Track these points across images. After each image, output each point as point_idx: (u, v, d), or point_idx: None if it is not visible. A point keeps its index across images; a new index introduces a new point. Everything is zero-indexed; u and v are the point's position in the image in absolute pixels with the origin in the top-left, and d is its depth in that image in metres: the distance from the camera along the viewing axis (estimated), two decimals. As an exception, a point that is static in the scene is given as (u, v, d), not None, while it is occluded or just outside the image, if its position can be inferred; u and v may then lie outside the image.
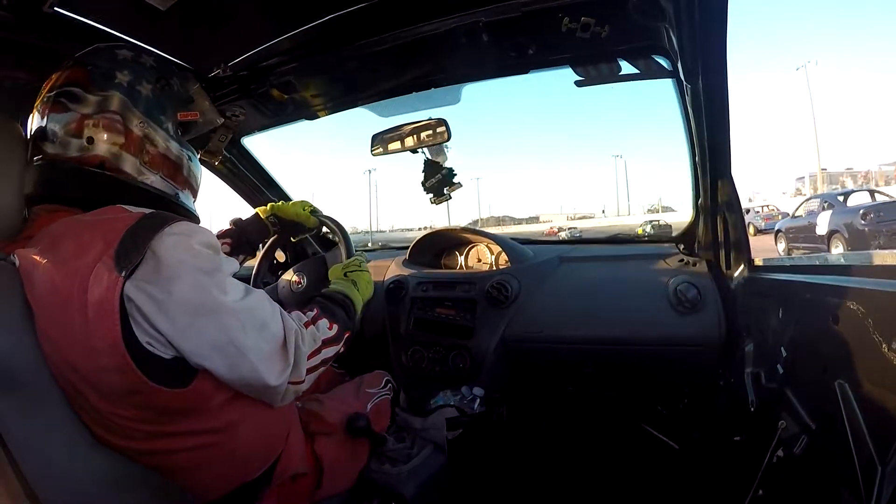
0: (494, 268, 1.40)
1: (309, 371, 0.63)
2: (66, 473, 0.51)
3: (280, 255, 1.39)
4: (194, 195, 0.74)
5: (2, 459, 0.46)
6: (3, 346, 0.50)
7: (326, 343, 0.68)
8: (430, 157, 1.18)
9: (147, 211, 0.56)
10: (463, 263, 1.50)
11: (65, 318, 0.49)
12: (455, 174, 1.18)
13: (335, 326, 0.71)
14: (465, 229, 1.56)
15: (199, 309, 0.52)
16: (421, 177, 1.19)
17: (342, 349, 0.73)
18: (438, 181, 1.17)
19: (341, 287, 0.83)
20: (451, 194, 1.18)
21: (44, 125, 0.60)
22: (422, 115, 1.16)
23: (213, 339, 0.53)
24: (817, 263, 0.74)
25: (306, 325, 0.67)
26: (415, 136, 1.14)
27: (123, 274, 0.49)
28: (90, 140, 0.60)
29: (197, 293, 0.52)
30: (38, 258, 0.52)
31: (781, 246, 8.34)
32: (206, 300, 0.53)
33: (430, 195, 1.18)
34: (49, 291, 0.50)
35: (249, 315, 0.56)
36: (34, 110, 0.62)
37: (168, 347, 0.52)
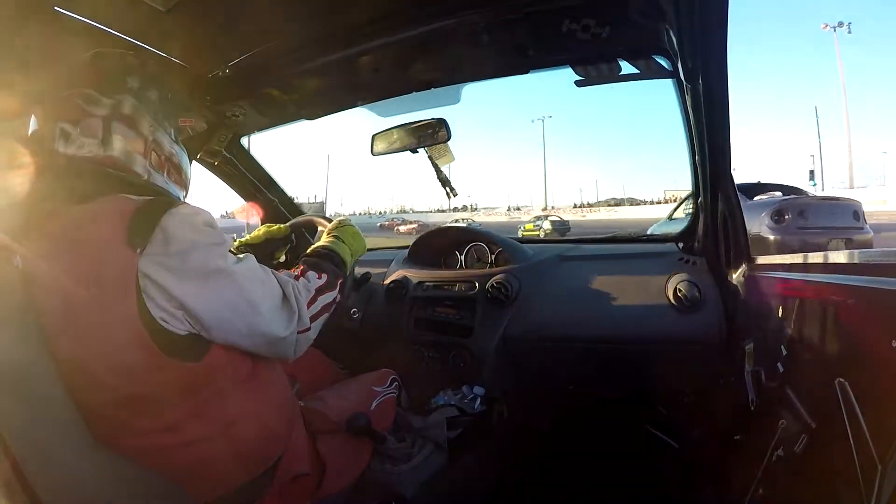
0: (494, 267, 1.40)
1: (312, 319, 0.69)
2: (67, 474, 0.51)
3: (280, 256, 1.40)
4: (186, 194, 0.78)
5: (2, 460, 0.46)
6: (4, 346, 0.50)
7: (320, 290, 0.73)
8: (432, 157, 1.18)
9: (150, 197, 0.59)
10: (463, 263, 1.51)
11: (78, 301, 0.51)
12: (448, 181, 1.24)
13: (324, 275, 0.75)
14: (464, 229, 1.56)
15: (211, 273, 0.56)
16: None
17: (339, 296, 0.78)
18: (444, 179, 1.22)
19: (324, 243, 0.87)
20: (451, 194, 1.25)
21: (56, 125, 0.60)
22: (422, 115, 1.16)
23: (228, 299, 0.58)
24: (818, 262, 0.74)
25: (296, 278, 0.72)
26: (415, 135, 1.14)
27: (138, 251, 0.52)
28: (105, 141, 0.62)
29: (208, 260, 0.56)
30: (44, 250, 0.54)
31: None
32: (216, 265, 0.57)
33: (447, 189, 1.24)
34: (60, 278, 0.52)
35: (252, 274, 0.62)
36: (39, 110, 0.63)
37: (183, 322, 0.55)
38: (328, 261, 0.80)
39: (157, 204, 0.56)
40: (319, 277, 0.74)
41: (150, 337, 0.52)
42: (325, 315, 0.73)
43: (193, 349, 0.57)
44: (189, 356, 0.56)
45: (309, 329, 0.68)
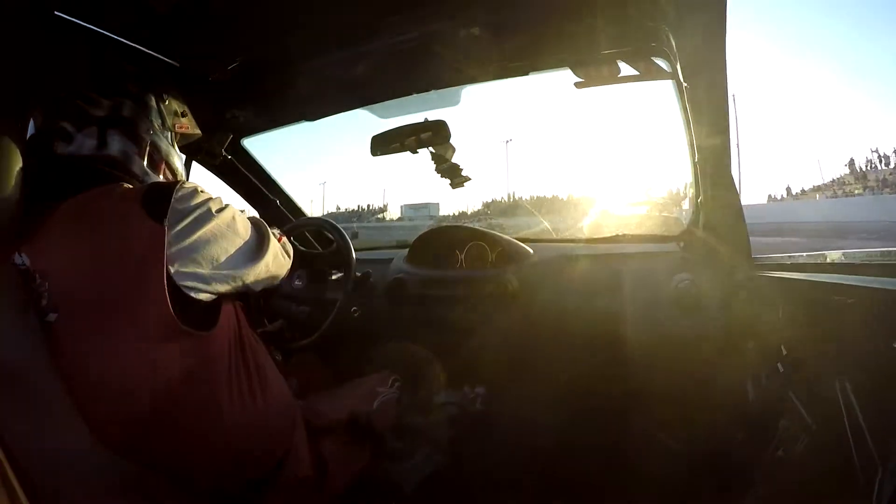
0: (495, 266, 1.40)
1: (280, 234, 0.84)
2: (67, 474, 0.51)
3: None
4: None
5: (2, 460, 0.46)
6: (3, 347, 0.50)
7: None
8: (434, 152, 1.18)
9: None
10: (463, 262, 1.51)
11: (101, 281, 0.53)
12: (461, 168, 1.21)
13: None
14: (465, 228, 1.56)
15: (214, 215, 0.61)
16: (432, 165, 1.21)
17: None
18: (448, 168, 1.20)
19: None
20: (465, 184, 1.23)
21: (56, 125, 0.61)
22: (422, 117, 1.16)
23: (239, 240, 0.65)
24: (818, 262, 0.74)
25: None
26: (415, 137, 1.14)
27: (165, 224, 0.54)
28: (103, 142, 0.63)
29: (211, 209, 0.61)
30: (56, 240, 0.54)
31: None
32: (217, 212, 0.62)
33: (447, 180, 1.22)
34: (78, 263, 0.53)
35: (240, 216, 0.68)
36: (39, 111, 0.63)
37: (208, 283, 0.59)
38: None
39: (163, 183, 0.61)
40: None
41: (171, 307, 0.54)
42: (285, 238, 0.87)
43: (206, 320, 0.60)
44: (202, 325, 0.59)
45: (282, 238, 0.82)
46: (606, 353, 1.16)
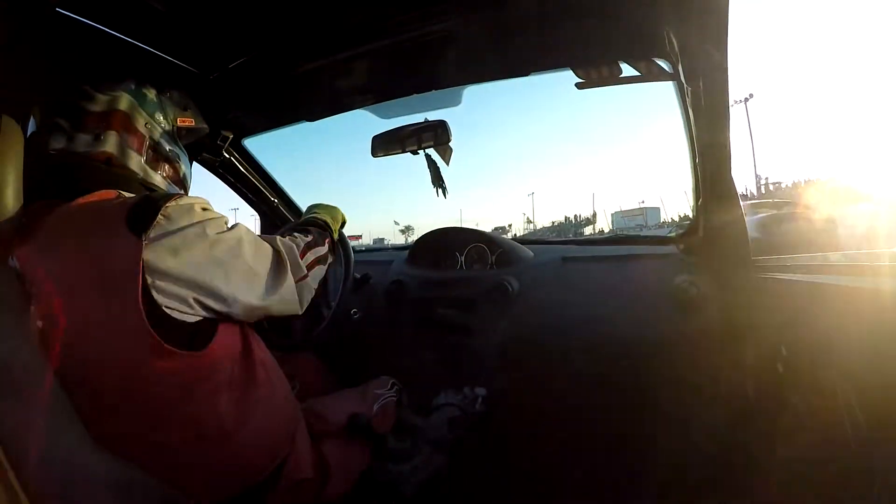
0: (495, 268, 1.40)
1: (308, 268, 0.72)
2: (67, 476, 0.51)
3: None
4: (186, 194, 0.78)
5: (2, 460, 0.46)
6: (3, 349, 0.50)
7: (309, 245, 0.76)
8: (430, 156, 1.19)
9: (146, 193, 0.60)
10: (463, 263, 1.51)
11: (78, 294, 0.51)
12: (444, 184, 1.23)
13: (310, 235, 0.79)
14: (465, 230, 1.56)
15: (213, 243, 0.57)
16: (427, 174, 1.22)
17: (329, 251, 0.82)
18: (437, 177, 1.21)
19: (303, 217, 0.94)
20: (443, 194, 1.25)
21: (51, 121, 0.61)
22: (422, 117, 1.16)
23: (234, 264, 0.59)
24: (818, 263, 0.74)
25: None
26: (416, 137, 1.15)
27: (143, 239, 0.51)
28: (98, 136, 0.61)
29: (207, 232, 0.57)
30: (40, 246, 0.53)
31: None
32: (216, 236, 0.58)
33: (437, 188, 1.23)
34: (58, 273, 0.51)
35: (247, 237, 0.63)
36: (39, 108, 0.63)
37: (192, 306, 0.55)
38: (311, 226, 0.86)
39: (156, 195, 0.57)
40: (306, 236, 0.78)
41: (151, 326, 0.51)
42: (321, 267, 0.77)
43: (198, 338, 0.57)
44: (192, 345, 0.56)
45: (307, 276, 0.71)
46: (606, 355, 1.16)
